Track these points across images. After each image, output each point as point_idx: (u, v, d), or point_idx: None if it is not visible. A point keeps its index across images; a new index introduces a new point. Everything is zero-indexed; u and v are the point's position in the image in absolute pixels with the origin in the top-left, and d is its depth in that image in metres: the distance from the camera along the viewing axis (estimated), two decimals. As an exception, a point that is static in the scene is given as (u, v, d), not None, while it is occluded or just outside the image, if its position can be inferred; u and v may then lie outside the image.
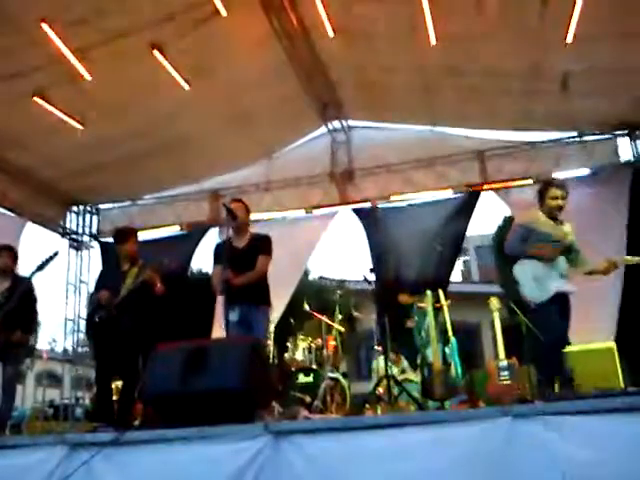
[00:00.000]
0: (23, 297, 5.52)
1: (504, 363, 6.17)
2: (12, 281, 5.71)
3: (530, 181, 8.83)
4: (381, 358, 7.40)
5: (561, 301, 4.83)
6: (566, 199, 5.01)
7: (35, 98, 7.28)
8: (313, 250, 10.16)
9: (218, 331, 9.01)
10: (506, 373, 6.08)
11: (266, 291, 5.30)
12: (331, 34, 7.03)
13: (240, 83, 8.04)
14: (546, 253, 4.88)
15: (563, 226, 5.05)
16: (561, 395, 3.97)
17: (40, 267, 5.52)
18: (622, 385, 5.59)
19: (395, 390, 6.27)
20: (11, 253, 5.87)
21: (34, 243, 10.59)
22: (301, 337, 6.76)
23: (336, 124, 9.77)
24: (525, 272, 4.97)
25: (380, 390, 6.47)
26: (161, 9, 6.43)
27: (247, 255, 5.21)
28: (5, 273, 5.77)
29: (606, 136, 8.68)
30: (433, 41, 6.72)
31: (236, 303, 4.97)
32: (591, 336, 6.45)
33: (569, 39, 6.32)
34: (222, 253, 5.10)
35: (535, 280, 4.88)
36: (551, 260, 4.87)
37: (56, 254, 5.60)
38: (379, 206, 9.59)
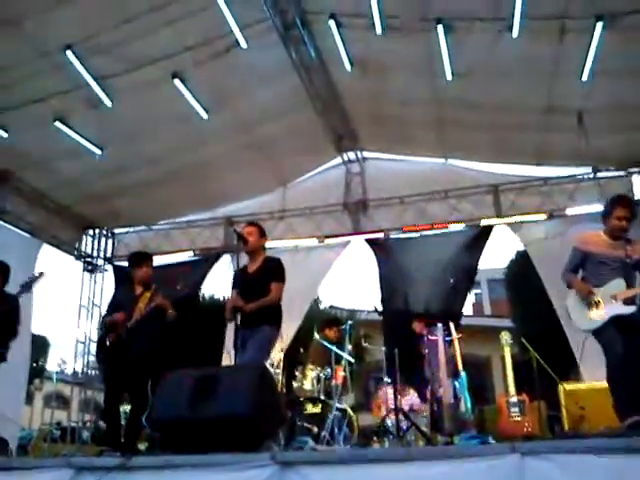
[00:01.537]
0: (4, 314, 5.47)
1: (514, 399, 6.12)
2: None
3: (543, 216, 8.83)
4: (384, 389, 7.34)
5: (625, 323, 4.53)
6: (631, 221, 4.74)
7: (56, 123, 7.45)
8: (323, 279, 10.19)
9: (228, 357, 9.01)
10: (516, 409, 6.02)
11: (270, 311, 5.13)
12: (349, 68, 7.15)
13: (257, 113, 8.16)
14: (582, 293, 4.71)
15: (628, 245, 4.72)
16: (571, 433, 3.92)
17: (25, 287, 5.55)
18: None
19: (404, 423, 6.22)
20: (2, 272, 5.71)
21: (50, 265, 10.65)
22: (310, 367, 6.71)
23: (351, 155, 9.85)
24: (573, 299, 4.81)
25: (388, 423, 6.40)
26: (183, 40, 6.61)
27: (258, 279, 5.16)
28: None
29: (621, 173, 8.67)
30: (449, 76, 6.81)
31: (243, 328, 4.92)
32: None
33: (585, 77, 6.38)
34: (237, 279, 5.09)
35: (583, 307, 4.69)
36: (590, 294, 4.65)
37: (41, 274, 5.64)
38: (391, 237, 9.61)
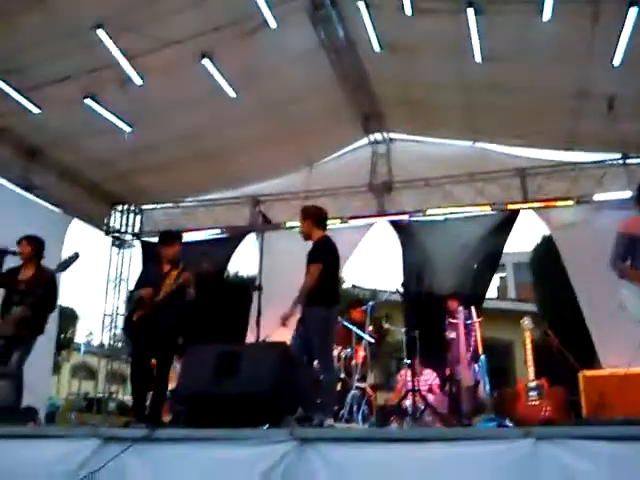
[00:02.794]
0: (43, 287, 5.62)
1: (533, 384, 6.13)
2: (35, 270, 5.76)
3: (571, 202, 8.74)
4: (404, 371, 7.40)
5: None
6: None
7: (86, 100, 7.55)
8: (347, 260, 10.20)
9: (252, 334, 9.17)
10: (535, 394, 6.03)
11: (317, 292, 5.09)
12: (377, 49, 7.12)
13: (285, 93, 8.17)
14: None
15: None
16: (588, 419, 3.93)
17: (61, 266, 5.67)
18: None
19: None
20: (31, 242, 5.83)
21: (79, 239, 10.85)
22: (330, 345, 6.78)
23: (377, 136, 9.83)
24: (630, 289, 4.50)
25: (406, 403, 6.47)
26: (212, 19, 6.61)
27: (307, 262, 5.24)
28: (28, 262, 5.78)
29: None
30: (478, 59, 6.74)
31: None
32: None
33: (616, 61, 6.27)
34: None
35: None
36: None
37: (77, 255, 5.74)
38: (416, 219, 9.59)
